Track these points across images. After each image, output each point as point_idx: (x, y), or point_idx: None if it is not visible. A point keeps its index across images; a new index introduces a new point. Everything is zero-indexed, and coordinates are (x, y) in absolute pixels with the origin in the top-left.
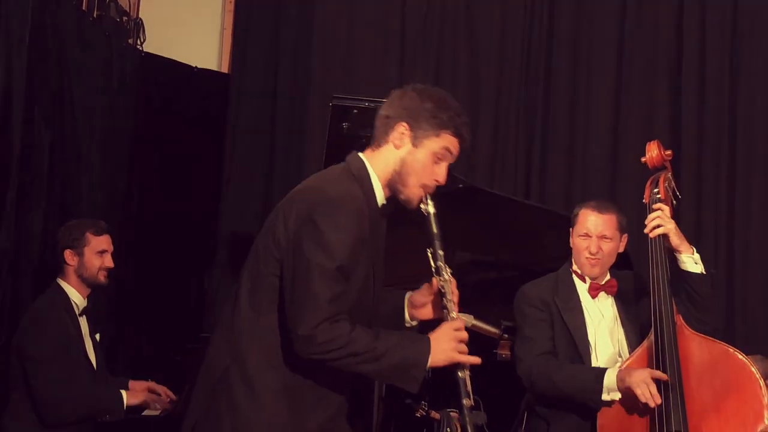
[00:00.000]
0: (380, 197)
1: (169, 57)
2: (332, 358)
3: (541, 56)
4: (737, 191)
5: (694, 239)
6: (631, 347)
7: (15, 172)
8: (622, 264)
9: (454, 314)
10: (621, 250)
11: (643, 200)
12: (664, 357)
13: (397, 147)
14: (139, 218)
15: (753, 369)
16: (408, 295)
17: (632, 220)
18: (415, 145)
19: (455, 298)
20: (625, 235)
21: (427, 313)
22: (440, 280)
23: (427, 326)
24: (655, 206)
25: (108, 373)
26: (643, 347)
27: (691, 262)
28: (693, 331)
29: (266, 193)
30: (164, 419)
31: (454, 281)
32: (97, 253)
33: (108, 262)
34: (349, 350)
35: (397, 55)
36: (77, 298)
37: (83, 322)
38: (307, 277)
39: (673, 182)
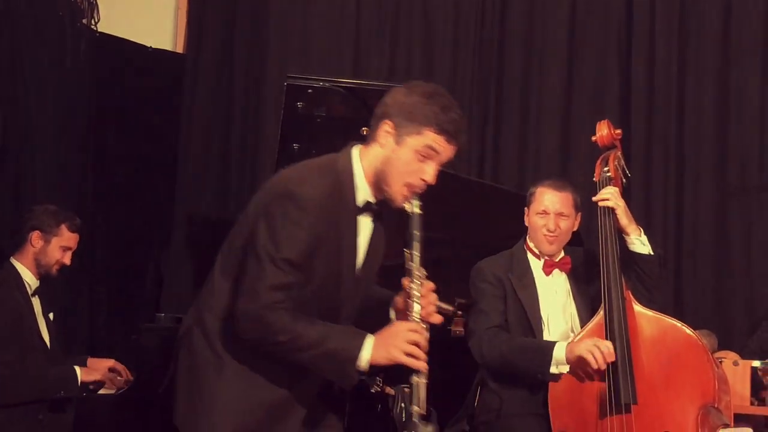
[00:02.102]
0: (364, 195)
1: (123, 37)
2: (262, 342)
3: (494, 40)
4: (685, 170)
5: (644, 217)
6: (583, 323)
7: None
8: (573, 241)
9: (416, 316)
10: (575, 228)
11: (593, 178)
12: (613, 332)
13: (381, 145)
14: (94, 198)
15: (700, 343)
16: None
17: (583, 198)
18: (398, 143)
19: (425, 302)
20: (580, 213)
21: (404, 315)
22: (410, 281)
23: None
24: (606, 186)
25: (63, 352)
26: (594, 322)
27: (639, 243)
28: (642, 306)
29: (222, 174)
30: (119, 397)
31: (429, 285)
32: (62, 247)
33: (67, 259)
34: (280, 338)
35: (352, 35)
36: (30, 278)
37: (36, 301)
38: (257, 260)
39: (622, 161)
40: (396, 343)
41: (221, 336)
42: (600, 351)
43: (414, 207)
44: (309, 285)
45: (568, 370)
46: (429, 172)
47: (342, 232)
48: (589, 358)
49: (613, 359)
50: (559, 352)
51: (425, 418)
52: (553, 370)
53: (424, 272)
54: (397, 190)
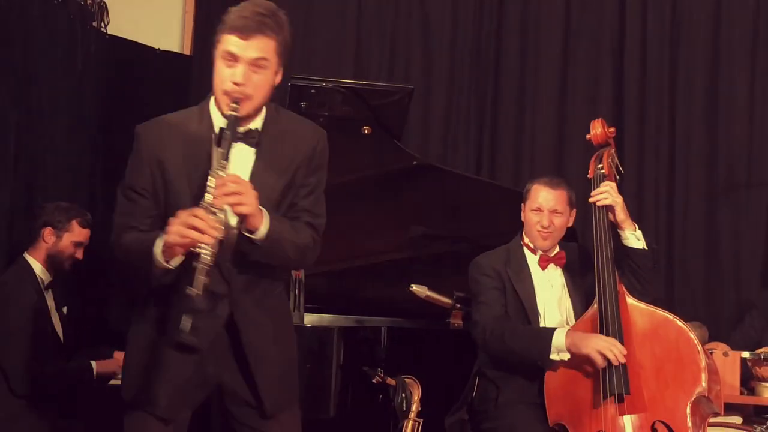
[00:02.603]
0: (218, 119)
1: (132, 39)
2: (119, 260)
3: (491, 40)
4: (676, 167)
5: (636, 212)
6: (577, 315)
7: None
8: (568, 237)
9: (205, 203)
10: (570, 224)
11: (588, 176)
12: (607, 324)
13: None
14: (104, 197)
15: (691, 335)
16: None
17: (578, 195)
18: (215, 63)
19: (218, 192)
20: (574, 209)
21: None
22: (211, 174)
23: None
24: (603, 183)
25: (83, 345)
26: (588, 315)
27: (634, 238)
28: (635, 299)
29: None
30: None
31: (227, 177)
32: (74, 242)
33: (79, 254)
34: (120, 255)
35: (353, 37)
36: (42, 273)
37: (49, 296)
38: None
39: (616, 158)
40: (170, 229)
41: None
42: (614, 353)
43: (231, 110)
44: (168, 212)
45: (568, 357)
46: (237, 75)
47: (189, 162)
48: (597, 358)
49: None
50: (558, 339)
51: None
52: (553, 356)
53: (225, 164)
54: (220, 99)
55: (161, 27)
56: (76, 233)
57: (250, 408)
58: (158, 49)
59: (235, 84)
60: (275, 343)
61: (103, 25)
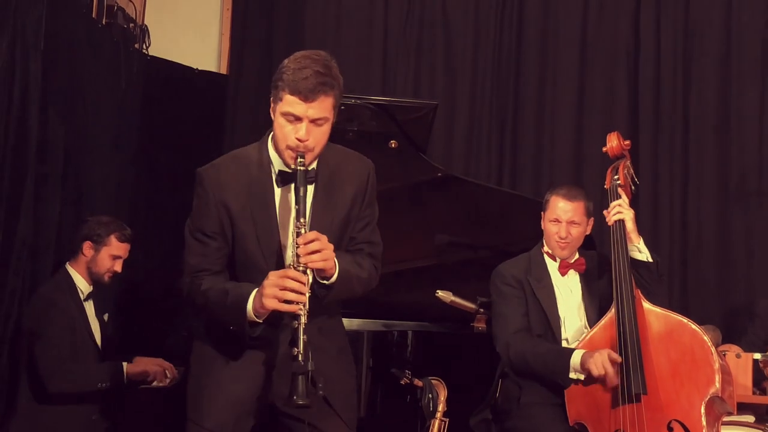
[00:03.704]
0: (278, 165)
1: (172, 60)
2: (194, 306)
3: (511, 57)
4: (690, 177)
5: (652, 221)
6: (591, 320)
7: (33, 166)
8: (586, 243)
9: (290, 262)
10: (588, 232)
11: (605, 186)
12: (624, 328)
13: (273, 120)
14: (146, 211)
15: (705, 338)
16: None
17: (595, 204)
18: (273, 112)
19: (302, 250)
20: (592, 218)
21: None
22: (294, 232)
23: None
24: (618, 192)
25: (115, 351)
26: (607, 318)
27: (636, 250)
28: (651, 304)
29: None
30: (168, 391)
31: (308, 235)
32: (112, 256)
33: (118, 267)
34: (199, 301)
35: (380, 56)
36: (82, 284)
37: (89, 306)
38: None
39: (631, 169)
40: (267, 292)
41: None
42: (606, 369)
43: (298, 165)
44: (236, 252)
45: (584, 377)
46: (300, 132)
47: (254, 204)
48: (597, 374)
49: (616, 383)
50: (575, 360)
51: (304, 361)
52: (571, 376)
53: (304, 222)
54: (285, 154)
55: (199, 48)
56: (114, 247)
57: (329, 422)
58: (196, 69)
59: (299, 140)
60: (337, 363)
61: (144, 47)
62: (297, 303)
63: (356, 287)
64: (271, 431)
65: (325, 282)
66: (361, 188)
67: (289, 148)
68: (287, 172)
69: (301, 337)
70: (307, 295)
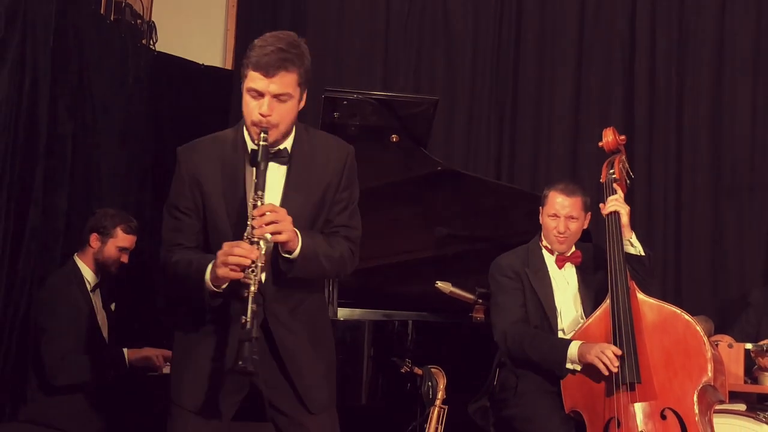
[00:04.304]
0: (250, 141)
1: (178, 55)
2: (167, 279)
3: (509, 55)
4: (683, 172)
5: (646, 213)
6: (587, 311)
7: (42, 159)
8: (582, 236)
9: (246, 234)
10: (585, 226)
11: (600, 180)
12: (619, 318)
13: None
14: (151, 203)
15: (698, 328)
16: None
17: (592, 199)
18: (242, 90)
19: (257, 222)
20: (589, 213)
21: None
22: (254, 198)
23: None
24: (613, 187)
25: (121, 341)
26: (601, 309)
27: (629, 245)
28: (645, 295)
29: None
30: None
31: (264, 207)
32: (118, 247)
33: (124, 258)
34: (169, 272)
35: (381, 52)
36: (89, 275)
37: (96, 296)
38: None
39: (627, 164)
40: (218, 261)
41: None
42: (607, 357)
43: (261, 141)
44: (208, 229)
45: (580, 368)
46: (263, 107)
47: (225, 182)
48: (599, 365)
49: (617, 368)
50: (572, 351)
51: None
52: (568, 366)
53: (261, 194)
54: (251, 131)
55: (205, 44)
56: (120, 239)
57: (291, 405)
58: (202, 64)
59: (262, 115)
60: (313, 348)
61: (151, 43)
62: (244, 271)
63: (325, 266)
64: (261, 410)
65: (288, 256)
66: (337, 171)
67: (253, 123)
68: (255, 150)
69: (250, 306)
70: (260, 265)
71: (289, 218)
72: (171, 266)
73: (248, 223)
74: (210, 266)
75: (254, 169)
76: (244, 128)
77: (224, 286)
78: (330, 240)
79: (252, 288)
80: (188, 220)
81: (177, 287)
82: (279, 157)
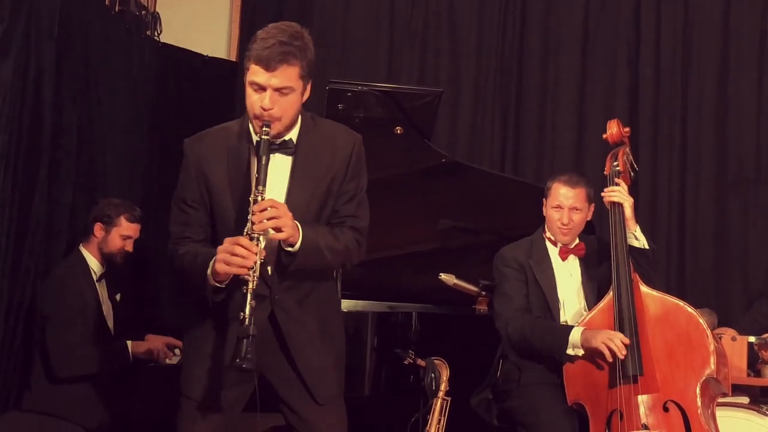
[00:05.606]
0: (254, 134)
1: (183, 47)
2: (174, 270)
3: (514, 47)
4: (688, 164)
5: (650, 206)
6: (590, 303)
7: (47, 150)
8: (586, 228)
9: (246, 230)
10: (589, 218)
11: (604, 172)
12: (622, 310)
13: None
14: (158, 192)
15: (701, 320)
16: None
17: (596, 190)
18: (245, 83)
19: (256, 218)
20: (593, 204)
21: None
22: (254, 193)
23: None
24: (616, 180)
25: (126, 330)
26: (605, 301)
27: (633, 237)
28: (648, 287)
29: None
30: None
31: (265, 203)
32: (122, 236)
33: (129, 247)
34: (176, 265)
35: (386, 43)
36: (95, 265)
37: (101, 286)
38: None
39: (631, 156)
40: (218, 257)
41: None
42: (615, 344)
43: (263, 134)
44: (216, 221)
45: (582, 353)
46: (265, 101)
47: (231, 174)
48: (605, 350)
49: (625, 354)
50: (574, 336)
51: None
52: (569, 352)
53: (262, 189)
54: (254, 124)
55: (209, 35)
56: (124, 227)
57: (299, 397)
58: (206, 55)
59: (264, 109)
60: (322, 338)
61: (156, 33)
62: (244, 267)
63: (328, 257)
64: (272, 400)
65: (289, 249)
66: (344, 161)
67: (255, 117)
68: (259, 141)
69: (249, 303)
70: (259, 261)
71: (290, 213)
72: (178, 259)
73: (249, 218)
74: (213, 261)
75: (260, 163)
76: (249, 120)
77: (226, 281)
78: (335, 231)
79: (250, 285)
80: (195, 212)
81: (183, 280)
82: (285, 148)
